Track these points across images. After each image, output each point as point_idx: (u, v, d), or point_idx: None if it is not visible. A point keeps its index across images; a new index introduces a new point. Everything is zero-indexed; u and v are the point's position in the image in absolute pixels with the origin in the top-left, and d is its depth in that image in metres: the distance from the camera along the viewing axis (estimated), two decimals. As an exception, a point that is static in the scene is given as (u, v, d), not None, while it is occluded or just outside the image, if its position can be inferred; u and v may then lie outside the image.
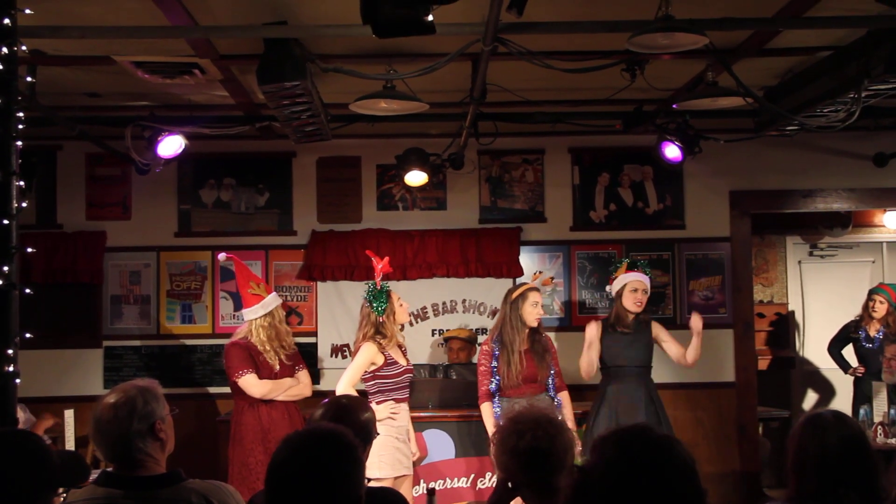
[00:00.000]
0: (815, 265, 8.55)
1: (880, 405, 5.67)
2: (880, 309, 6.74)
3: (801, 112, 5.10)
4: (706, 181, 6.77)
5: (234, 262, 5.42)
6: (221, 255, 5.53)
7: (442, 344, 6.51)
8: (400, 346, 5.21)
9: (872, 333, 6.77)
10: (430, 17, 3.04)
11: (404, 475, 5.06)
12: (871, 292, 6.88)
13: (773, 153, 6.71)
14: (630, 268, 5.45)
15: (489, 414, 5.16)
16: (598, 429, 5.23)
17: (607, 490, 1.66)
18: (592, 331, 5.38)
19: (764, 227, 7.97)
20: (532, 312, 5.20)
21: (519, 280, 6.47)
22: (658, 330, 5.45)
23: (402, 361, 5.14)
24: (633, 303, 5.35)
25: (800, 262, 8.55)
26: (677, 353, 5.40)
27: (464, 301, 6.65)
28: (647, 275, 5.44)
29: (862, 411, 5.68)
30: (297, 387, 5.26)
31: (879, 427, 5.48)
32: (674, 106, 5.46)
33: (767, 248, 8.48)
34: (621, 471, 1.67)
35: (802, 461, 2.46)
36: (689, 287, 6.74)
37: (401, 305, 5.20)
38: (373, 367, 5.04)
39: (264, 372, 5.14)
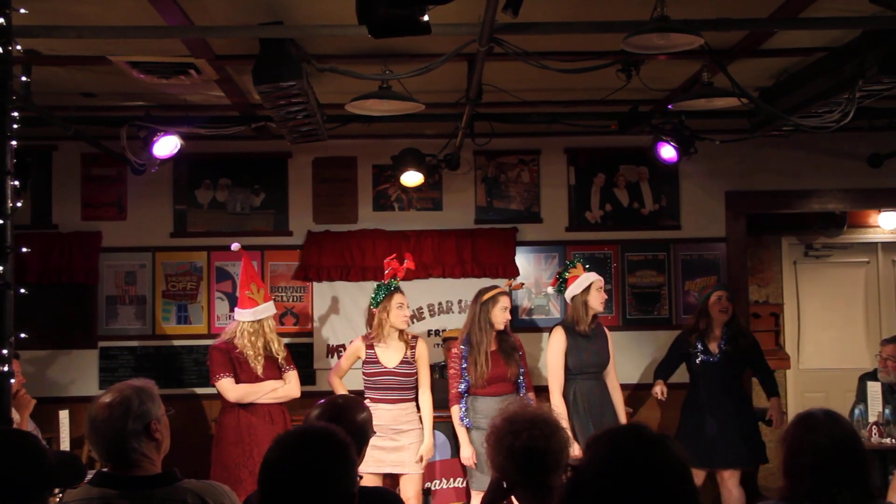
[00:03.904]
0: (810, 265, 8.55)
1: (875, 405, 5.65)
2: (730, 307, 5.74)
3: (796, 113, 5.11)
4: (702, 182, 6.78)
5: (243, 258, 5.48)
6: (235, 245, 5.53)
7: (439, 345, 6.50)
8: (412, 348, 5.28)
9: (713, 347, 5.73)
10: (426, 18, 3.04)
11: (403, 473, 5.14)
12: (716, 289, 5.87)
13: (769, 154, 6.72)
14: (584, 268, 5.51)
15: (457, 416, 5.24)
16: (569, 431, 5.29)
17: (601, 489, 1.66)
18: (560, 346, 5.34)
19: (759, 228, 7.96)
20: (501, 316, 5.25)
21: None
22: (609, 337, 5.52)
23: (390, 363, 5.20)
24: (600, 302, 5.40)
25: (795, 262, 8.55)
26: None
27: (460, 301, 6.65)
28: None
29: (857, 411, 5.64)
30: (283, 388, 5.27)
31: (874, 427, 5.47)
32: (669, 106, 5.47)
33: (763, 249, 8.48)
34: (615, 469, 1.67)
35: (795, 460, 2.47)
36: (685, 287, 6.74)
37: (399, 307, 5.25)
38: (359, 361, 5.29)
39: (245, 375, 5.19)
